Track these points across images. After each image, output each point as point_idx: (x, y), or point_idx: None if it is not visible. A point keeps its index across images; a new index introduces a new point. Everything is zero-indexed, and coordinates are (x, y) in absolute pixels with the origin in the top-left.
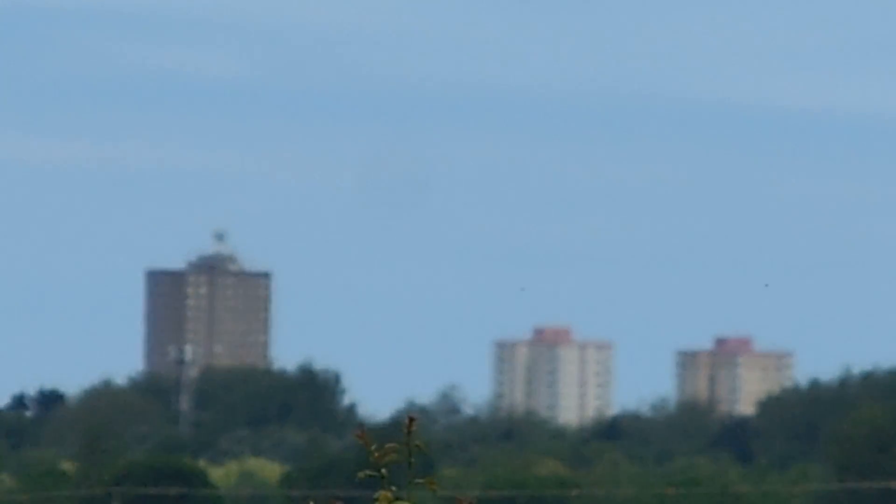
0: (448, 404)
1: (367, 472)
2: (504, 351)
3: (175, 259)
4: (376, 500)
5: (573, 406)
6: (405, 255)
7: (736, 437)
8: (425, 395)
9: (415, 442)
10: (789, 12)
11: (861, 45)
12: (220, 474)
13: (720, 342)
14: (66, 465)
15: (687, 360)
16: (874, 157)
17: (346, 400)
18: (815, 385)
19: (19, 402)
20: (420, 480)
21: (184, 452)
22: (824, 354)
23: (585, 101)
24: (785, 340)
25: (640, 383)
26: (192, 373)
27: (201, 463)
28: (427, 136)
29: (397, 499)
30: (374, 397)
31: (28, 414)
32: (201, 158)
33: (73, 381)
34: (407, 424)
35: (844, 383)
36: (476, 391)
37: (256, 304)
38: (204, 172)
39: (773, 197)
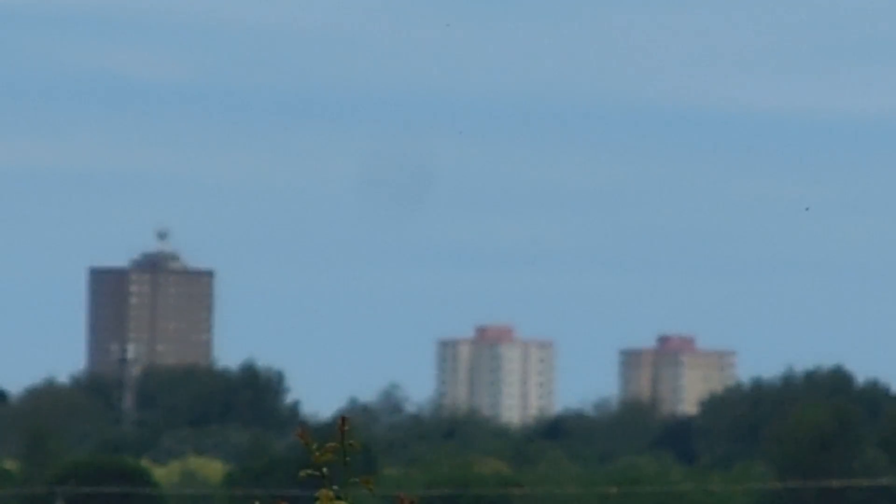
0: (390, 403)
1: (309, 471)
2: (447, 349)
3: (118, 257)
4: (317, 499)
5: (516, 405)
6: (348, 254)
7: (679, 437)
8: (368, 393)
9: (349, 441)
10: (757, 19)
11: (822, 51)
12: (163, 473)
13: (663, 341)
14: (9, 464)
15: (630, 359)
16: (820, 161)
17: (289, 399)
18: (757, 384)
19: None
20: (358, 479)
21: (126, 451)
22: (767, 353)
23: (532, 107)
24: (728, 339)
25: (583, 382)
26: (135, 371)
27: (144, 462)
28: (375, 139)
29: (338, 498)
30: (318, 396)
31: None
32: (144, 158)
33: (15, 380)
34: (340, 425)
35: (787, 382)
36: (419, 390)
37: (199, 302)
38: (147, 172)
39: (716, 199)
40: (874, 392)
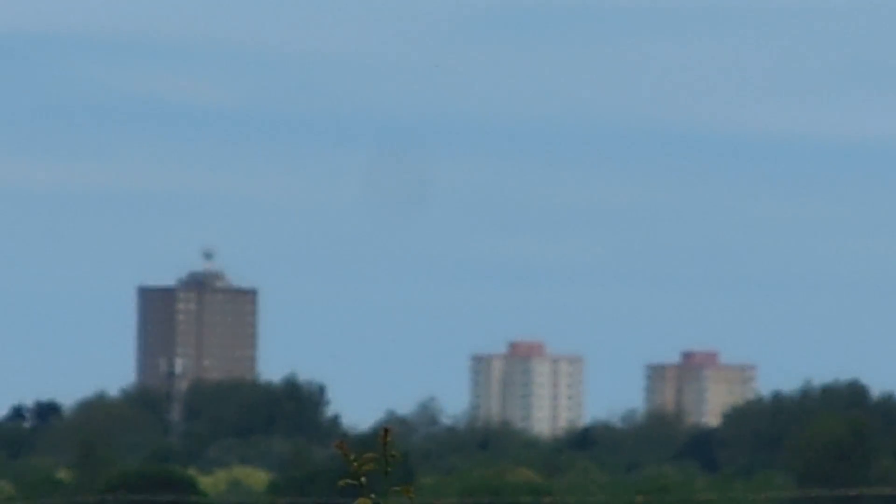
0: (427, 415)
1: (348, 480)
2: (480, 364)
3: (166, 276)
4: None
5: (546, 417)
6: (387, 272)
7: (702, 447)
8: (405, 406)
9: (391, 452)
10: (755, 44)
11: (820, 78)
12: (209, 482)
13: (687, 356)
14: (62, 474)
15: (655, 373)
16: (834, 183)
17: (330, 411)
18: (777, 397)
19: (17, 413)
20: (397, 488)
21: (174, 461)
22: (786, 367)
23: (562, 128)
24: (749, 354)
25: (611, 395)
26: (182, 385)
27: (191, 471)
28: (410, 161)
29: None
30: (357, 408)
31: (26, 424)
32: (190, 180)
33: (68, 394)
34: (383, 436)
35: (805, 395)
36: (453, 403)
37: (243, 319)
38: (193, 194)
39: (737, 218)
40: (889, 405)
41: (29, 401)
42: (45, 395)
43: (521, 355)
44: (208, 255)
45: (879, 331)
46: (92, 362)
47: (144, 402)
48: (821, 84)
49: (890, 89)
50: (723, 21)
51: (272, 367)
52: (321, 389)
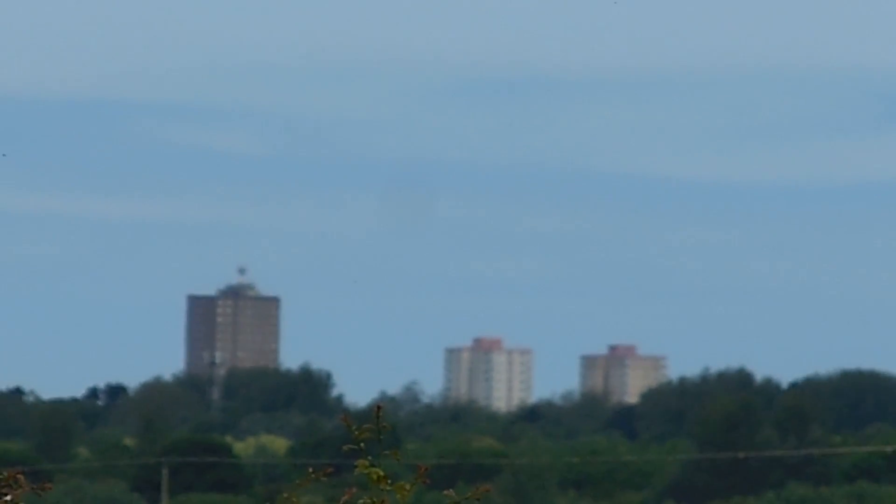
0: (410, 395)
1: (350, 446)
2: (451, 355)
3: (209, 287)
4: (357, 466)
5: (503, 397)
6: (382, 284)
7: (624, 420)
8: (394, 387)
9: (382, 424)
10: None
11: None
12: (241, 447)
13: (612, 349)
14: (128, 441)
15: (587, 363)
16: (733, 215)
17: (335, 392)
18: (683, 381)
19: (93, 393)
20: (388, 452)
21: (214, 431)
22: (690, 358)
23: (523, 171)
24: (661, 347)
25: (553, 380)
26: (221, 372)
27: (227, 439)
28: (407, 197)
29: (372, 465)
30: (356, 389)
31: (99, 402)
32: (229, 213)
33: (133, 378)
34: (376, 411)
35: (704, 380)
36: (431, 386)
37: (269, 321)
38: (232, 223)
39: (651, 242)
40: (769, 387)
41: (102, 383)
42: (115, 379)
43: (483, 349)
44: (242, 271)
45: (762, 330)
46: (152, 353)
47: (191, 385)
48: (728, 140)
49: (777, 144)
50: (656, 92)
51: (291, 358)
52: (328, 375)
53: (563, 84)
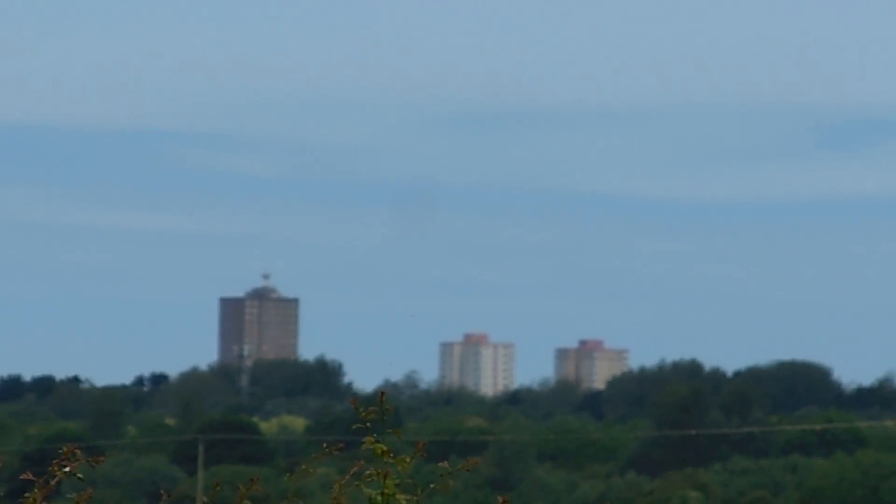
0: (410, 382)
1: (358, 425)
2: (445, 349)
3: (238, 290)
4: (364, 442)
5: (489, 384)
6: (384, 287)
7: (593, 403)
8: (396, 375)
9: (386, 406)
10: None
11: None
12: (266, 426)
13: (583, 343)
14: (169, 421)
15: (561, 354)
16: (680, 228)
17: (346, 379)
18: (643, 370)
19: (139, 381)
20: (390, 430)
21: (242, 412)
22: (649, 351)
23: (511, 191)
24: (624, 342)
25: (532, 369)
26: (248, 363)
27: (254, 419)
28: (411, 213)
29: (377, 442)
30: (364, 377)
31: (144, 388)
32: (255, 225)
33: (173, 367)
34: (380, 396)
35: (661, 369)
36: (428, 374)
37: (289, 318)
38: (258, 234)
39: (614, 251)
40: (716, 375)
41: (147, 372)
42: (158, 369)
43: (472, 343)
44: (266, 277)
45: (710, 326)
46: (189, 347)
47: (223, 373)
48: (684, 164)
49: (726, 168)
50: (624, 123)
51: (308, 350)
52: (340, 365)
53: (544, 115)
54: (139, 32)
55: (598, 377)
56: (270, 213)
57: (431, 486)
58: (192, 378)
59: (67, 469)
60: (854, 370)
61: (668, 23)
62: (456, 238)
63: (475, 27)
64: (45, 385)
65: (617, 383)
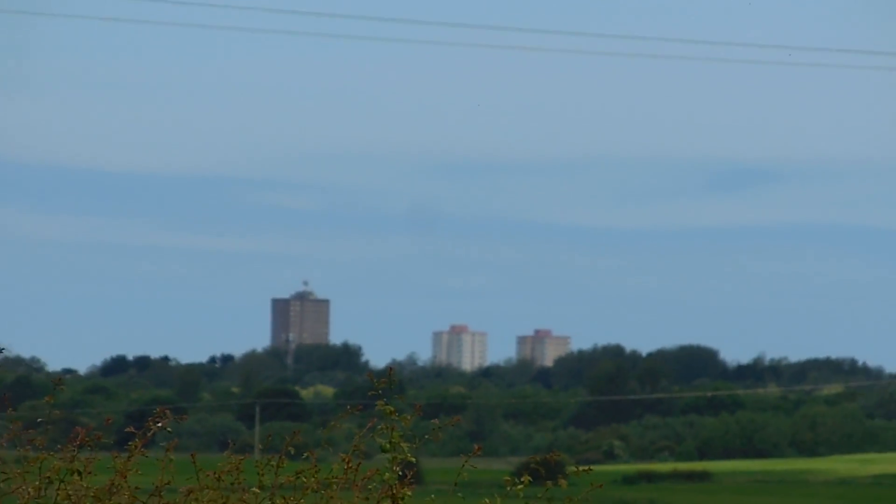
0: (411, 360)
1: (373, 392)
2: (437, 336)
3: (285, 293)
4: (377, 405)
5: (468, 362)
6: (393, 291)
7: (544, 377)
8: (401, 355)
9: (393, 378)
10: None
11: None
12: (305, 393)
13: (537, 332)
14: (234, 389)
15: (521, 341)
16: (623, 249)
17: (364, 358)
18: (581, 352)
19: (212, 359)
20: (396, 396)
21: (288, 383)
22: (586, 337)
23: (484, 220)
24: (567, 330)
25: (500, 352)
26: (293, 346)
27: (296, 388)
28: (421, 229)
29: (386, 404)
30: (377, 357)
31: (216, 365)
32: (299, 245)
33: (238, 350)
34: (389, 371)
35: (594, 351)
36: (424, 355)
37: (323, 314)
38: (299, 253)
39: (555, 262)
40: (634, 355)
41: (218, 353)
42: (227, 351)
43: (456, 332)
44: (306, 283)
45: (631, 319)
46: (250, 335)
47: (274, 354)
48: (612, 202)
49: (642, 204)
50: (571, 169)
51: (336, 338)
52: (360, 348)
53: (509, 165)
54: (210, 103)
55: (548, 357)
56: (309, 236)
57: (426, 436)
58: (251, 357)
59: (160, 424)
60: (735, 351)
61: (602, 95)
62: (445, 254)
63: (461, 104)
64: (143, 362)
65: (561, 362)
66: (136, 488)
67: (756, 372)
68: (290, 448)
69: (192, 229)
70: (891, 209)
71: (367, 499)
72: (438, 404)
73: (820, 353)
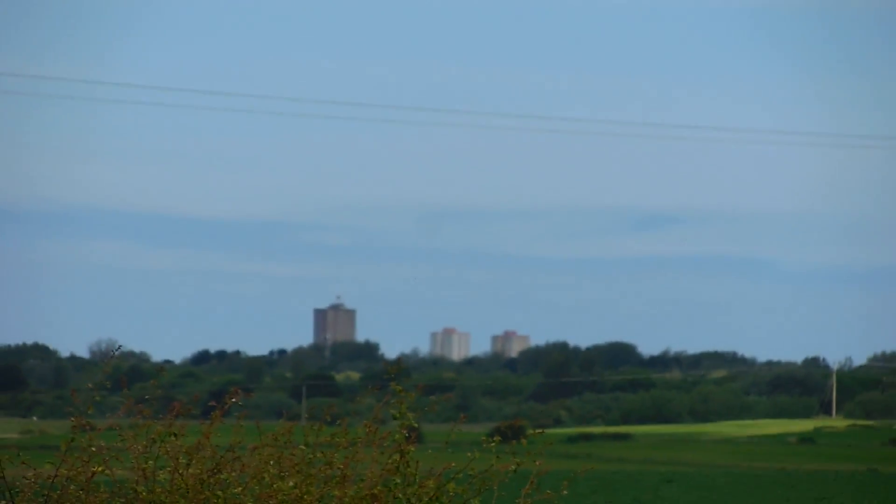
0: (414, 353)
1: (387, 375)
2: (434, 336)
3: (323, 304)
4: (390, 386)
5: (456, 355)
6: (403, 301)
7: (512, 366)
8: (407, 349)
9: (401, 366)
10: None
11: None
12: (339, 377)
13: (506, 332)
14: (287, 374)
15: (495, 340)
16: (564, 278)
17: (381, 352)
18: (537, 348)
19: (271, 353)
20: (404, 379)
21: (326, 370)
22: (541, 336)
23: (465, 254)
24: (528, 331)
25: (479, 348)
26: (329, 343)
27: (332, 373)
28: (432, 231)
29: (397, 385)
30: (390, 350)
31: (274, 357)
32: (331, 271)
33: (289, 345)
34: (398, 361)
35: (548, 347)
36: (423, 349)
37: (351, 322)
38: (332, 275)
39: (525, 288)
40: (578, 350)
41: (276, 348)
42: (281, 346)
43: (447, 332)
44: (338, 297)
45: (574, 321)
46: (299, 335)
47: (316, 349)
48: (561, 236)
49: (578, 242)
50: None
51: (361, 337)
52: (377, 344)
53: (481, 212)
54: (273, 168)
55: (514, 350)
56: (342, 264)
57: (425, 408)
58: (299, 352)
59: (234, 400)
60: (649, 346)
61: (552, 160)
62: (439, 276)
63: (451, 169)
64: (221, 355)
65: (524, 354)
66: (217, 446)
67: (664, 361)
68: (327, 417)
69: (258, 259)
70: (759, 244)
71: (382, 453)
72: (435, 385)
73: (710, 346)
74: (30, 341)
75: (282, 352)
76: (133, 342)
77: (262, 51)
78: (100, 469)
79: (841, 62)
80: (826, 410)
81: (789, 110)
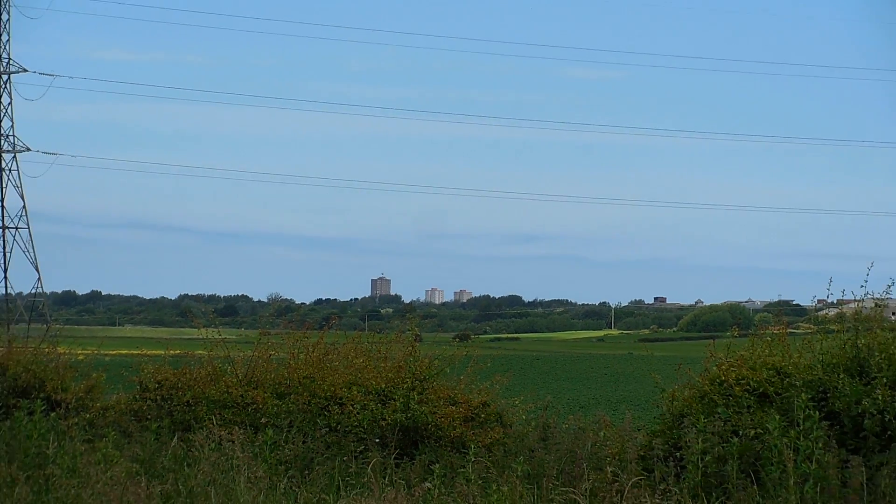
0: (417, 300)
1: (406, 310)
2: (427, 292)
3: (375, 276)
4: (406, 315)
5: (438, 300)
6: (420, 271)
7: (464, 306)
8: (414, 298)
9: (411, 307)
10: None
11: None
12: (382, 311)
13: (462, 290)
14: (358, 309)
15: (457, 293)
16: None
17: (403, 299)
18: (475, 297)
19: (352, 299)
20: (413, 311)
21: (377, 308)
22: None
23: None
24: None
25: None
26: (378, 295)
27: (379, 309)
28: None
29: (410, 315)
30: (407, 297)
31: (352, 301)
32: (375, 259)
33: (359, 296)
34: (410, 304)
35: (479, 297)
36: (421, 298)
37: (389, 286)
38: (376, 264)
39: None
40: (493, 298)
41: (353, 297)
42: (354, 297)
43: (434, 290)
44: (383, 273)
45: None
46: (362, 291)
47: (371, 299)
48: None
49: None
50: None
51: (393, 291)
52: (400, 296)
53: (457, 235)
54: (345, 196)
55: (465, 298)
56: (389, 256)
57: (422, 325)
58: (364, 299)
59: (333, 321)
60: (532, 296)
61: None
62: (452, 259)
63: (440, 197)
64: (329, 300)
65: (472, 301)
66: (327, 343)
67: (544, 304)
68: (377, 330)
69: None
70: (592, 249)
71: (403, 346)
72: (426, 315)
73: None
74: (238, 293)
75: (355, 299)
76: (285, 293)
77: None
78: (272, 353)
79: None
80: (609, 326)
81: None
